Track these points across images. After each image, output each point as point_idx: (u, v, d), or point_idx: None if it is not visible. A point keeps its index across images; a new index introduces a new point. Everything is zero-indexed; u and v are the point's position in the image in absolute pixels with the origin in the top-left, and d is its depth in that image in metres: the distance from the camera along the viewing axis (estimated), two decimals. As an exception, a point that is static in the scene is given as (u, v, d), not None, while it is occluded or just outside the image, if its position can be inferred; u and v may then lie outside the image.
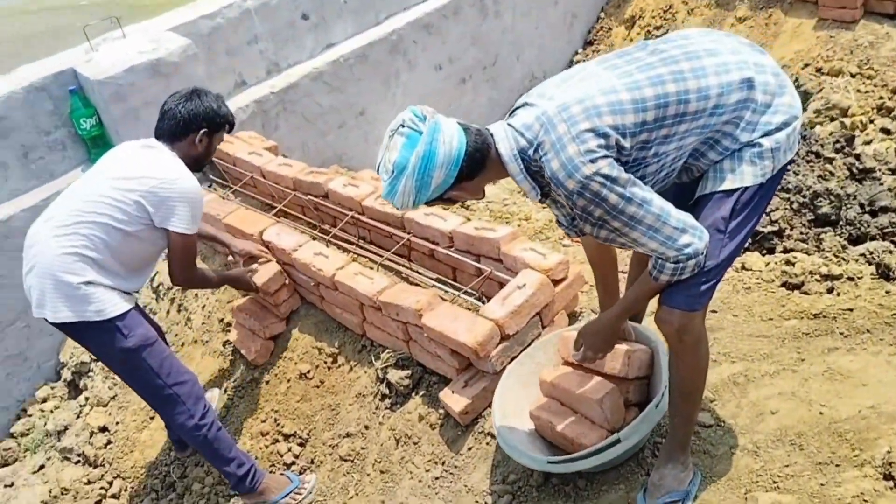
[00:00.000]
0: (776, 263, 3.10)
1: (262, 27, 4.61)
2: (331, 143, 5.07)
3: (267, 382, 3.33)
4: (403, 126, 1.79)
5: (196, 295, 3.84)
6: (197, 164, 2.79)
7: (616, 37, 6.61)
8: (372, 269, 3.28)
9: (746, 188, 1.82)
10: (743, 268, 3.17)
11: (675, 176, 1.92)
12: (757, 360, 2.45)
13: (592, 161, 1.70)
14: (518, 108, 1.92)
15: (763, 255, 3.31)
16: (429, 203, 1.87)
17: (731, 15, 5.88)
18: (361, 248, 3.53)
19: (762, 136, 1.80)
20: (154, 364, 2.66)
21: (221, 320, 3.66)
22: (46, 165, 3.93)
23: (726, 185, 1.83)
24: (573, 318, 2.96)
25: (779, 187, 3.45)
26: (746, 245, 3.41)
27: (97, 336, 2.60)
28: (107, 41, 4.09)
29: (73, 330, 2.60)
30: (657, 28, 6.30)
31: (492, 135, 1.86)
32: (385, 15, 5.20)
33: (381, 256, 3.37)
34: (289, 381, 3.25)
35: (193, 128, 2.72)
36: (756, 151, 1.81)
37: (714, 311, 2.84)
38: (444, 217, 3.26)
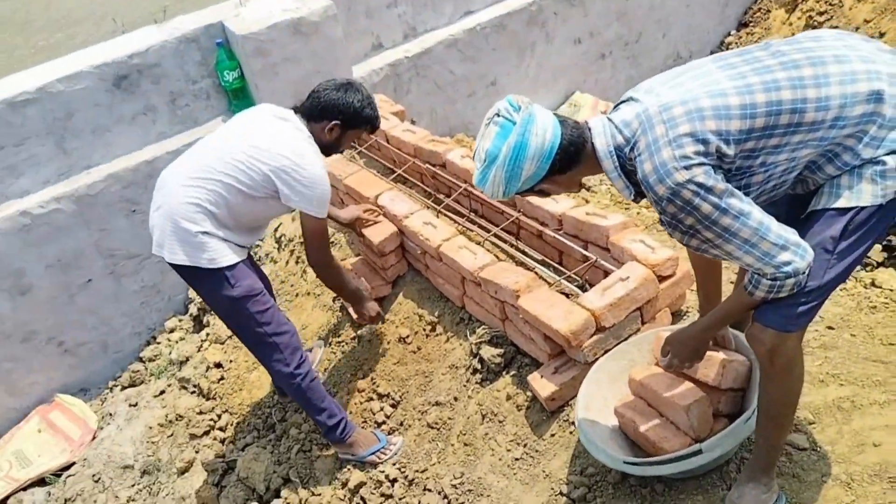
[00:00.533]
0: (915, 283, 2.85)
1: (403, -10, 4.67)
2: (459, 110, 5.09)
3: (369, 342, 3.45)
4: (498, 115, 1.77)
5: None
6: (325, 150, 2.84)
7: (774, 20, 6.17)
8: (479, 243, 3.29)
9: (863, 208, 1.67)
10: (872, 284, 2.94)
11: (789, 187, 1.79)
12: (868, 387, 2.27)
13: (687, 168, 1.61)
14: (622, 102, 1.85)
15: (899, 271, 3.04)
16: (520, 194, 1.85)
17: (908, 2, 5.34)
18: (472, 220, 3.55)
19: (887, 154, 1.64)
20: (256, 313, 2.81)
21: (334, 276, 3.81)
22: (191, 112, 4.19)
23: (841, 203, 1.69)
24: (677, 316, 2.85)
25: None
26: (882, 260, 3.16)
27: (207, 282, 2.77)
28: (257, -4, 4.29)
29: (186, 273, 2.77)
30: (821, 14, 5.82)
31: (590, 129, 1.81)
32: (527, -16, 5.12)
33: (490, 231, 3.37)
34: (388, 343, 3.35)
35: (328, 116, 2.77)
36: (879, 170, 1.65)
37: (831, 328, 2.65)
38: (556, 198, 3.21)
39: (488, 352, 2.93)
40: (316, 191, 2.71)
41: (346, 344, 3.54)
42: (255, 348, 2.98)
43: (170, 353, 4.18)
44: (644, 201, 1.87)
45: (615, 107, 1.87)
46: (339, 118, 2.77)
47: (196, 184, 2.70)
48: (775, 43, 1.74)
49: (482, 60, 5.00)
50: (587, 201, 4.28)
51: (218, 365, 3.85)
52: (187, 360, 4.04)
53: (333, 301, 3.73)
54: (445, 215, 3.54)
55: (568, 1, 5.20)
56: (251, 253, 3.25)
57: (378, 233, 3.39)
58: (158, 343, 4.30)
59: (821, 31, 1.77)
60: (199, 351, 4.06)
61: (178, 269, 2.77)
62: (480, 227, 3.50)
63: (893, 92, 1.63)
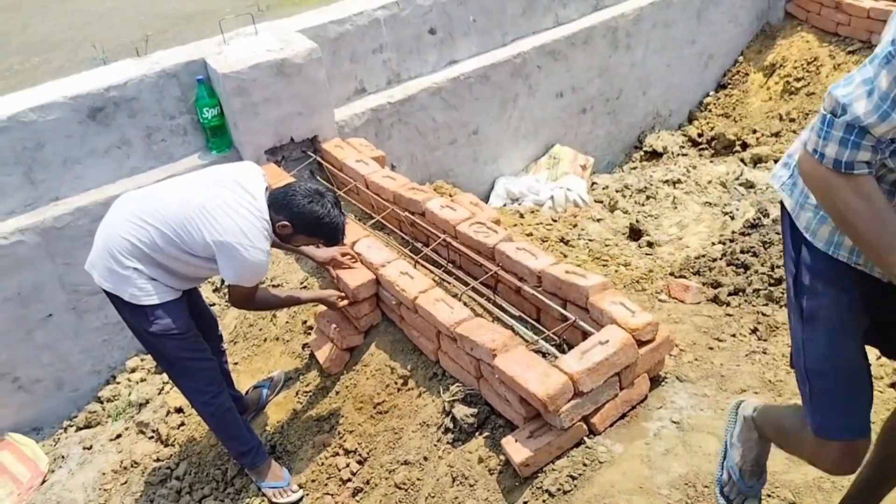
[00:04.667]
0: None
1: (389, 37, 4.67)
2: (439, 157, 5.07)
3: (337, 393, 3.34)
4: None
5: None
6: (278, 238, 2.86)
7: (752, 83, 6.30)
8: (456, 296, 3.23)
9: None
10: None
11: None
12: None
13: None
14: None
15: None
16: None
17: (882, 74, 5.47)
18: (450, 272, 3.49)
19: None
20: (173, 348, 2.87)
21: (304, 322, 3.71)
22: (167, 148, 4.11)
23: None
24: (656, 382, 2.80)
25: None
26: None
27: (127, 312, 2.81)
28: (239, 36, 4.24)
29: (111, 297, 2.81)
30: (798, 80, 5.95)
31: None
32: (512, 37, 5.15)
33: (468, 285, 3.31)
34: (357, 396, 3.25)
35: (285, 214, 2.75)
36: None
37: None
38: (535, 254, 3.17)
39: (461, 411, 2.83)
40: (250, 272, 2.73)
41: (313, 394, 3.42)
42: (172, 376, 3.11)
43: (129, 394, 4.02)
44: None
45: None
46: (293, 221, 2.75)
47: (140, 224, 2.71)
48: None
49: (465, 109, 5.00)
50: (565, 256, 4.27)
51: (179, 410, 3.70)
52: (147, 402, 3.88)
53: (303, 349, 3.63)
54: (423, 265, 3.48)
55: (551, 55, 5.24)
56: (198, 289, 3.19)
57: (355, 277, 3.31)
58: (118, 383, 4.14)
59: None
60: (159, 394, 3.90)
61: (105, 291, 2.82)
62: (458, 279, 3.44)
63: None
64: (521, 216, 4.86)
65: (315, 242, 2.92)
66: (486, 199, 5.39)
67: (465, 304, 3.20)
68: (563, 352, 2.77)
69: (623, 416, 2.67)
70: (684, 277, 3.92)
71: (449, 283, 3.38)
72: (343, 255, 3.36)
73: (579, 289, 2.88)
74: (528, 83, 5.24)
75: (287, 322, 3.79)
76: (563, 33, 5.26)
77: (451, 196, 4.53)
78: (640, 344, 2.67)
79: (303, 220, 2.75)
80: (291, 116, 4.11)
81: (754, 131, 5.99)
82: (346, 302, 3.26)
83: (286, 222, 2.75)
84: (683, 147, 6.14)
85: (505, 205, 5.27)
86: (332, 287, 3.47)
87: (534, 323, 3.12)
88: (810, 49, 5.99)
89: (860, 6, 5.67)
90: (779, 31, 6.30)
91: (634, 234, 4.71)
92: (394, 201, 3.84)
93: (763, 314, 3.37)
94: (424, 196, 3.72)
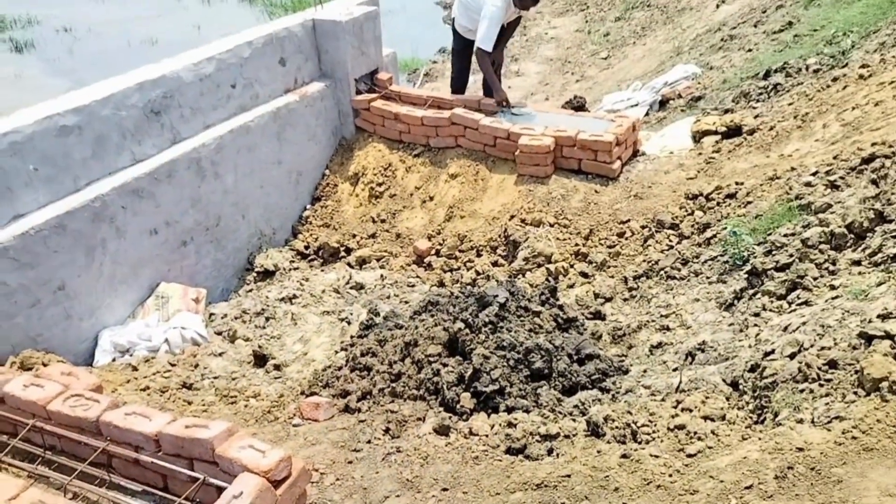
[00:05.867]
0: (500, 426, 3.14)
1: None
2: (21, 324, 4.40)
3: None
4: None
5: None
6: None
7: (343, 192, 6.75)
8: (61, 487, 2.76)
9: None
10: (471, 433, 3.17)
11: None
12: (488, 547, 2.37)
13: None
14: None
15: (489, 415, 3.35)
16: None
17: (444, 172, 6.30)
18: (49, 461, 2.98)
19: None
20: None
21: None
22: None
23: None
24: (301, 518, 2.69)
25: (495, 345, 3.58)
26: (473, 406, 3.44)
27: None
28: None
29: None
30: (380, 185, 6.55)
31: None
32: (85, 181, 4.77)
33: (75, 471, 2.86)
34: None
35: None
36: None
37: (445, 490, 2.75)
38: (149, 416, 2.88)
39: None
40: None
41: None
42: None
43: None
44: None
45: None
46: None
47: None
48: None
49: (43, 265, 4.45)
50: (189, 403, 3.98)
51: None
52: None
53: None
54: (9, 465, 2.92)
55: (136, 193, 4.98)
56: None
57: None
58: None
59: None
60: None
61: None
62: (61, 466, 2.95)
63: None
64: (135, 369, 4.43)
65: None
66: (91, 359, 4.82)
67: (75, 495, 2.76)
68: (198, 516, 2.53)
69: (274, 567, 2.50)
70: (315, 394, 3.92)
71: (48, 476, 2.88)
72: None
73: (203, 442, 2.69)
74: (115, 226, 4.88)
75: None
76: (144, 170, 5.05)
77: (39, 368, 3.94)
78: (277, 484, 2.56)
79: None
80: None
81: (354, 235, 6.40)
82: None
83: None
84: (294, 261, 6.28)
85: (114, 359, 4.76)
86: None
87: (162, 494, 2.80)
88: (384, 156, 6.66)
89: (415, 116, 6.50)
90: (354, 144, 6.90)
91: (260, 360, 4.62)
92: (-38, 393, 3.19)
93: (391, 411, 3.51)
94: (2, 378, 3.16)
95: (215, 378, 4.35)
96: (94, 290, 4.82)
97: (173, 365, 4.49)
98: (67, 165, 4.67)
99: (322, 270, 6.13)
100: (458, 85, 7.19)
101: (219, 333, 5.04)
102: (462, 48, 6.94)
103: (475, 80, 8.35)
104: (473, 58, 6.99)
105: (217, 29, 10.89)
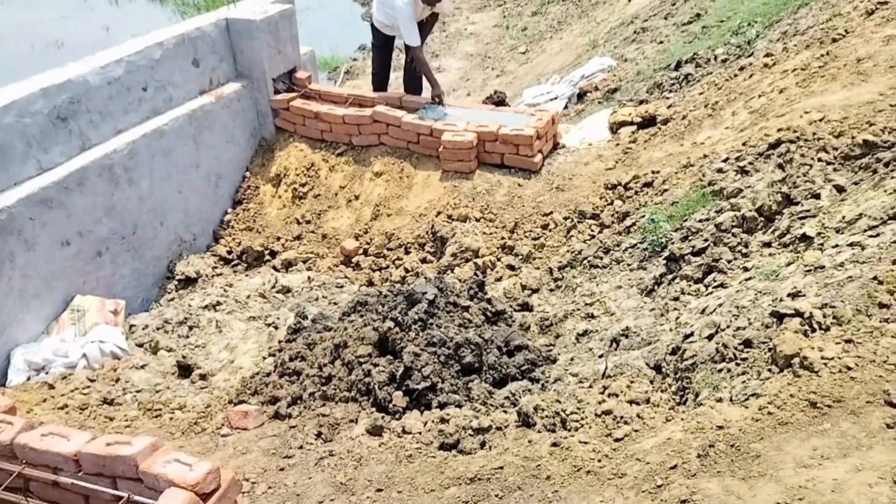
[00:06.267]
0: (433, 423, 3.15)
1: None
2: (-76, 348, 4.16)
3: None
4: None
5: None
6: None
7: (265, 195, 6.62)
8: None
9: None
10: (404, 431, 3.16)
11: None
12: (424, 545, 2.37)
13: None
14: None
15: (421, 412, 3.35)
16: None
17: (368, 170, 6.26)
18: (-41, 490, 2.82)
19: None
20: None
21: None
22: None
23: None
24: (233, 530, 2.63)
25: (425, 342, 3.58)
26: (405, 404, 3.43)
27: None
28: None
29: None
30: (303, 185, 6.45)
31: None
32: (-13, 193, 4.55)
33: (-13, 498, 2.71)
34: None
35: None
36: None
37: (380, 490, 2.74)
38: (66, 435, 2.76)
39: None
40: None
41: None
42: None
43: None
44: None
45: None
46: None
47: None
48: None
49: (-55, 284, 4.22)
50: (111, 419, 3.84)
51: None
52: None
53: None
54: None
55: (44, 204, 4.76)
56: None
57: None
58: None
59: None
60: None
61: None
62: (-28, 495, 2.80)
63: None
64: (51, 387, 4.24)
65: None
66: (4, 379, 4.59)
67: (-12, 523, 2.62)
68: (124, 537, 2.44)
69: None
70: (244, 402, 3.84)
71: (-42, 506, 2.73)
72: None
73: (125, 459, 2.59)
74: (23, 238, 4.66)
75: None
76: (52, 179, 4.83)
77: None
78: (206, 497, 2.49)
79: None
80: None
81: (278, 238, 6.29)
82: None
83: None
84: (217, 267, 6.13)
85: (29, 378, 4.55)
86: None
87: (84, 514, 2.69)
88: (306, 156, 6.57)
89: (336, 114, 6.43)
90: (275, 144, 6.77)
91: (184, 370, 4.49)
92: None
93: (323, 415, 3.48)
94: None
95: (138, 392, 4.20)
96: (3, 306, 4.60)
97: (92, 381, 4.31)
98: (-33, 177, 4.43)
99: (246, 275, 6.01)
100: (379, 80, 7.15)
101: (140, 345, 4.88)
102: (382, 44, 6.91)
103: (396, 77, 8.33)
104: (393, 54, 6.97)
105: (126, 30, 10.52)
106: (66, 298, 5.08)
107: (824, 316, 2.73)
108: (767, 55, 5.67)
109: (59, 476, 2.70)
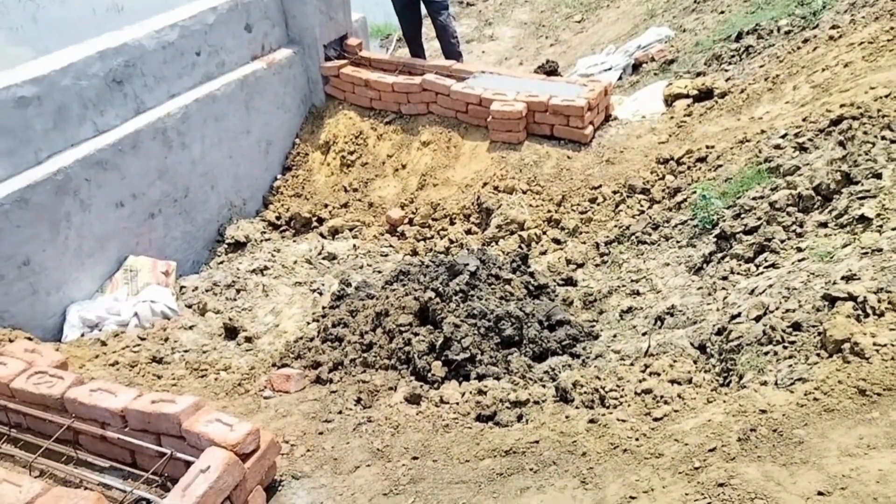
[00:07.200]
0: (470, 394, 3.15)
1: None
2: (-13, 301, 4.34)
3: None
4: None
5: None
6: None
7: (314, 162, 6.66)
8: (27, 466, 2.74)
9: None
10: (442, 401, 3.18)
11: None
12: (457, 514, 2.38)
13: None
14: None
15: (459, 383, 3.36)
16: None
17: (416, 139, 6.24)
18: (14, 439, 2.95)
19: None
20: None
21: None
22: None
23: None
24: (271, 490, 2.69)
25: (465, 314, 3.57)
26: (444, 374, 3.44)
27: None
28: None
29: None
30: (351, 153, 6.47)
31: None
32: (47, 153, 4.66)
33: (41, 448, 2.83)
34: None
35: None
36: None
37: (416, 458, 2.76)
38: (114, 392, 2.85)
39: None
40: None
41: None
42: None
43: None
44: None
45: None
46: None
47: None
48: None
49: (6, 240, 4.36)
50: (159, 377, 3.95)
51: None
52: None
53: None
54: (-26, 444, 2.89)
55: (100, 165, 4.88)
56: None
57: None
58: None
59: None
60: None
61: None
62: (28, 444, 2.92)
63: None
64: (104, 344, 4.39)
65: None
66: (60, 334, 4.76)
67: (41, 472, 2.74)
68: (167, 490, 2.52)
69: (243, 539, 2.51)
70: (287, 366, 3.90)
71: (13, 455, 2.85)
72: None
73: (169, 417, 2.67)
74: (79, 199, 4.79)
75: None
76: (108, 141, 4.94)
77: (5, 345, 3.88)
78: (245, 457, 2.55)
79: None
80: None
81: (326, 205, 6.33)
82: None
83: None
84: (265, 232, 6.22)
85: (83, 334, 4.71)
86: None
87: (130, 469, 2.79)
88: (354, 124, 6.58)
89: (385, 83, 6.41)
90: (324, 112, 6.79)
91: (231, 332, 4.58)
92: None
93: (363, 381, 3.51)
94: (-36, 357, 3.11)
95: (185, 351, 4.31)
96: (60, 264, 4.74)
97: (143, 339, 4.44)
98: (28, 138, 4.55)
99: (294, 241, 6.08)
100: (411, 35, 7.23)
101: (189, 306, 4.99)
102: (404, 4, 6.98)
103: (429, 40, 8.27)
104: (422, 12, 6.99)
105: (184, -6, 10.60)
106: (119, 258, 5.22)
107: (879, 301, 2.63)
108: (833, 27, 5.42)
109: (107, 431, 2.79)
